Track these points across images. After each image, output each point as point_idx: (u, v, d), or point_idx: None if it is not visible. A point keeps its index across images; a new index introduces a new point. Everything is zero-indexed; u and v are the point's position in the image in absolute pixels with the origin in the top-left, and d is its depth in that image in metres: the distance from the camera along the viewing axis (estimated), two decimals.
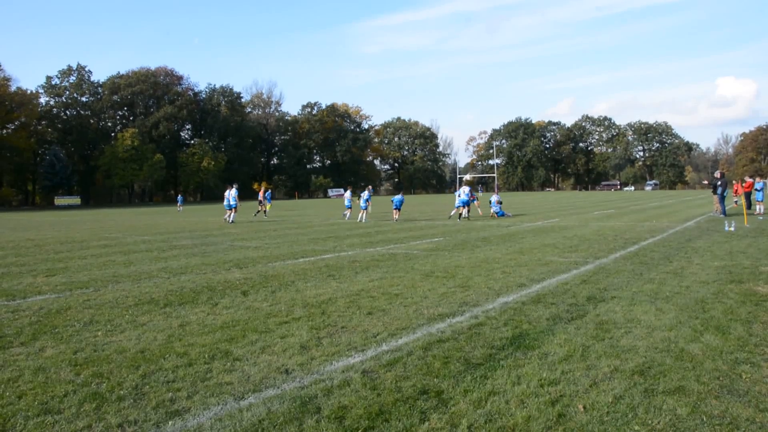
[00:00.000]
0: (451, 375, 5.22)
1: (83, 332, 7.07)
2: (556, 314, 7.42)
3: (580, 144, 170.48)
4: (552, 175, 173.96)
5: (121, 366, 5.68)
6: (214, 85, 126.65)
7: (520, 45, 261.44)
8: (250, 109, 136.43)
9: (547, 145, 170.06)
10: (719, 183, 26.97)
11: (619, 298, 8.34)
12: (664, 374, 5.11)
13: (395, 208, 29.48)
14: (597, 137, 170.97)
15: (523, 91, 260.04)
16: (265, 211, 37.45)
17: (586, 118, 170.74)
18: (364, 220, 28.93)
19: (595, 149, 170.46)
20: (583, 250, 14.25)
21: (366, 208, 30.11)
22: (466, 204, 29.42)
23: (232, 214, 30.49)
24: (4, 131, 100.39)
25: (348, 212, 31.28)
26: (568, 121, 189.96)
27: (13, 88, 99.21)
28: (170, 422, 4.38)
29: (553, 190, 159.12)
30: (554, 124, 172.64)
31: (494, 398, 4.69)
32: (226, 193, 30.77)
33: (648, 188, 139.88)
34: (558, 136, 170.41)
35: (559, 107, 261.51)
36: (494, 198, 31.59)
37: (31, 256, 15.74)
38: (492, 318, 7.28)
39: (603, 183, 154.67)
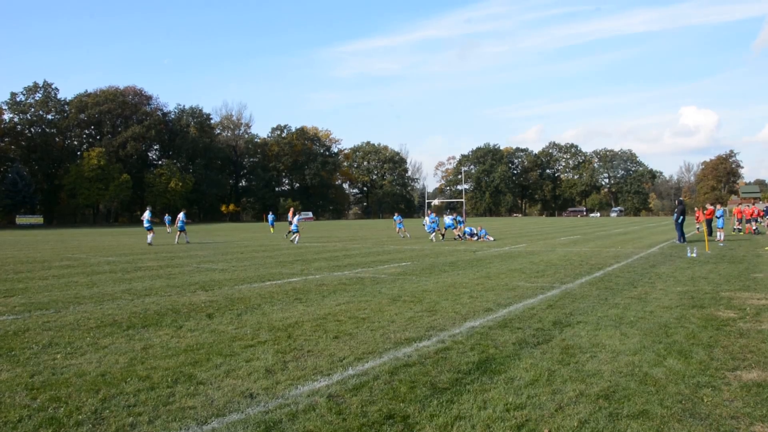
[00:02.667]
0: (418, 399, 5.20)
1: (41, 355, 6.89)
2: (522, 339, 7.44)
3: (547, 170, 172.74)
4: (519, 201, 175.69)
5: (80, 390, 5.54)
6: (184, 106, 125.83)
7: (490, 72, 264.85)
8: (219, 131, 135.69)
9: (515, 171, 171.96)
10: (677, 209, 27.58)
11: (585, 322, 8.41)
12: (629, 398, 5.15)
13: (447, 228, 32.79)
14: (564, 164, 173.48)
15: (492, 117, 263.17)
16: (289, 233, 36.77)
17: (554, 144, 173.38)
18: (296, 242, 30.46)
19: (561, 176, 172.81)
20: (550, 275, 14.37)
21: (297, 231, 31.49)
22: (450, 227, 32.50)
23: (180, 235, 31.70)
24: None
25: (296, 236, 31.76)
26: (536, 148, 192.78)
27: None
28: None
29: (520, 215, 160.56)
30: (522, 150, 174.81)
31: (460, 423, 4.68)
32: (144, 215, 31.48)
33: (613, 214, 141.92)
34: (525, 163, 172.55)
35: (527, 134, 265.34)
36: (448, 218, 32.69)
37: None
38: (459, 342, 7.27)
39: (569, 209, 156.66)
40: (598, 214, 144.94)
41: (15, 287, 13.07)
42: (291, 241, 31.19)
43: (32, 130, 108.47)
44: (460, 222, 33.71)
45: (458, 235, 32.33)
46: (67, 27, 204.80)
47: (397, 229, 36.48)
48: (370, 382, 5.69)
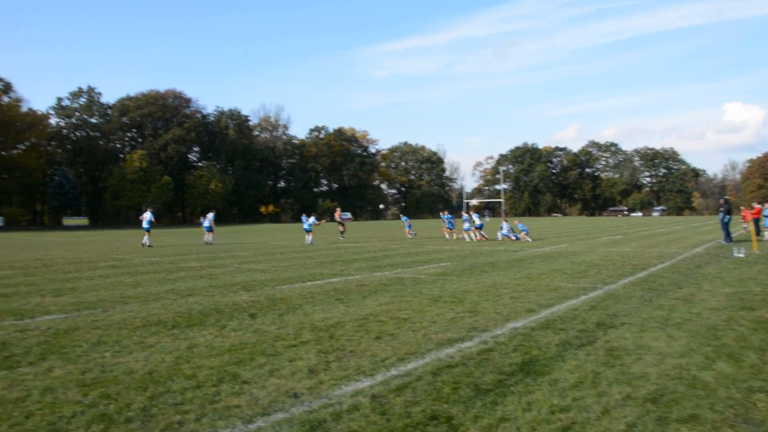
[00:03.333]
0: (461, 401, 5.18)
1: (91, 353, 7.06)
2: (565, 340, 7.37)
3: (587, 169, 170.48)
4: (559, 201, 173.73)
5: (129, 387, 5.66)
6: (223, 108, 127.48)
7: (528, 70, 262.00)
8: (257, 132, 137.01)
9: (554, 171, 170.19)
10: (722, 209, 26.98)
11: (629, 324, 8.28)
12: (677, 402, 5.05)
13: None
14: (603, 163, 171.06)
15: (530, 116, 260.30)
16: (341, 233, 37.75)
17: (593, 143, 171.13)
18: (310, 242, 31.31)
19: (601, 175, 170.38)
20: (592, 276, 14.19)
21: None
22: (480, 227, 32.72)
23: (208, 236, 32.17)
24: (15, 151, 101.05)
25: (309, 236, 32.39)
26: (575, 147, 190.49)
27: (24, 109, 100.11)
28: None
29: (560, 215, 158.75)
30: (561, 149, 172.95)
31: (505, 424, 4.65)
32: (144, 215, 31.92)
33: (655, 214, 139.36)
34: (565, 162, 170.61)
35: (566, 132, 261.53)
36: (505, 225, 32.55)
37: (40, 276, 15.79)
38: (501, 343, 7.23)
39: (610, 208, 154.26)
40: (640, 214, 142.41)
41: (64, 287, 13.41)
42: (309, 243, 31.39)
43: (77, 133, 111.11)
44: (478, 224, 33.43)
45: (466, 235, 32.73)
46: (110, 31, 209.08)
47: (406, 230, 36.68)
48: (413, 383, 5.69)
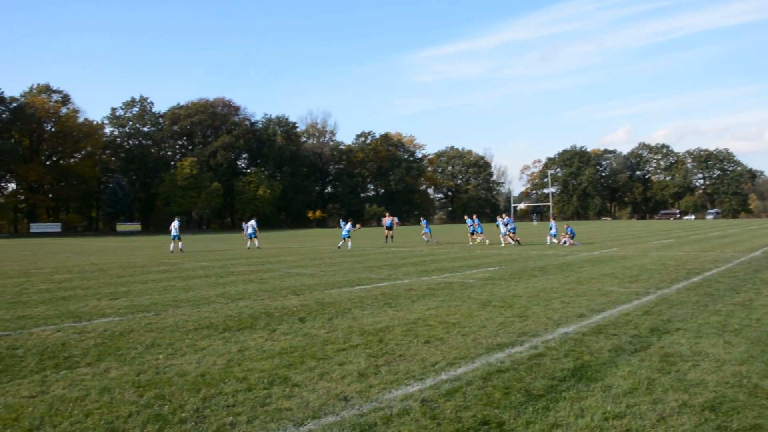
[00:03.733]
0: (512, 406, 5.12)
1: (145, 355, 7.21)
2: (618, 345, 7.23)
3: (638, 172, 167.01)
4: (608, 204, 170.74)
5: (182, 389, 5.76)
6: (270, 115, 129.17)
7: (575, 72, 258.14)
8: (305, 139, 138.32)
9: (603, 174, 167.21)
10: None
11: (684, 329, 8.08)
12: (738, 411, 4.90)
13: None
14: (654, 165, 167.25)
15: (578, 118, 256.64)
16: (387, 237, 38.34)
17: (643, 145, 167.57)
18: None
19: (652, 177, 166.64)
20: (644, 281, 13.90)
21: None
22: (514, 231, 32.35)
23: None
24: (72, 160, 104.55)
25: (342, 242, 32.85)
26: (625, 149, 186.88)
27: (80, 119, 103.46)
28: None
29: (609, 219, 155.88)
30: (610, 152, 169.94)
31: (557, 431, 4.58)
32: (172, 225, 32.27)
33: (709, 217, 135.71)
34: (614, 165, 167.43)
35: (615, 135, 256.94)
36: (553, 224, 32.23)
37: (95, 280, 16.21)
38: (552, 348, 7.13)
39: (662, 212, 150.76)
40: (693, 217, 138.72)
41: (118, 290, 13.74)
42: (343, 247, 31.88)
43: (130, 142, 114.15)
44: (511, 227, 32.61)
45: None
46: (160, 39, 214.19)
47: (423, 233, 36.78)
48: (464, 388, 5.65)
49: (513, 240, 31.91)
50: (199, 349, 7.46)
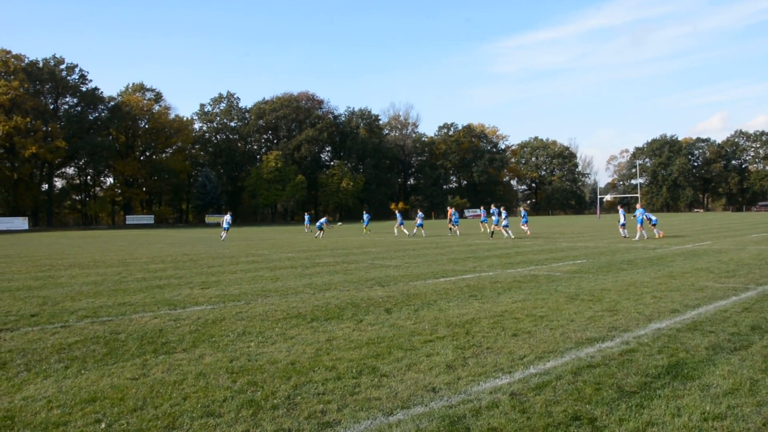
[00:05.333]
0: (604, 402, 5.00)
1: (237, 342, 7.43)
2: (716, 343, 6.93)
3: (733, 161, 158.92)
4: (701, 195, 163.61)
5: (273, 376, 5.90)
6: (353, 108, 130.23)
7: (667, 57, 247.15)
8: (387, 131, 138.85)
9: (696, 163, 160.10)
10: None
11: None
12: None
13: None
14: (753, 154, 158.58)
15: (669, 106, 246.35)
16: (450, 230, 39.14)
17: (740, 133, 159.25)
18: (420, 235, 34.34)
19: (750, 167, 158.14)
20: (743, 276, 13.27)
21: (421, 226, 36.22)
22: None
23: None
24: (164, 155, 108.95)
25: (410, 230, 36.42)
26: (719, 137, 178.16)
27: (171, 116, 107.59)
28: None
29: (701, 211, 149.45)
30: (703, 140, 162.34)
31: (653, 429, 4.44)
32: (224, 218, 37.75)
33: None
34: (707, 154, 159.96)
35: (709, 122, 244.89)
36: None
37: (187, 270, 16.83)
38: (644, 344, 6.91)
39: (760, 203, 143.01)
40: None
41: (209, 280, 14.21)
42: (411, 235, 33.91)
43: (218, 137, 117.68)
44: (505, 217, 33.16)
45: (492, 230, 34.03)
46: (245, 40, 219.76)
47: (416, 228, 37.27)
48: (553, 382, 5.56)
49: (505, 232, 32.52)
50: (288, 338, 7.63)
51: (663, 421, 4.58)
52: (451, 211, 38.82)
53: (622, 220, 30.51)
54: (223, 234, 36.90)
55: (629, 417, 4.67)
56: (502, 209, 33.46)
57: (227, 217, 37.53)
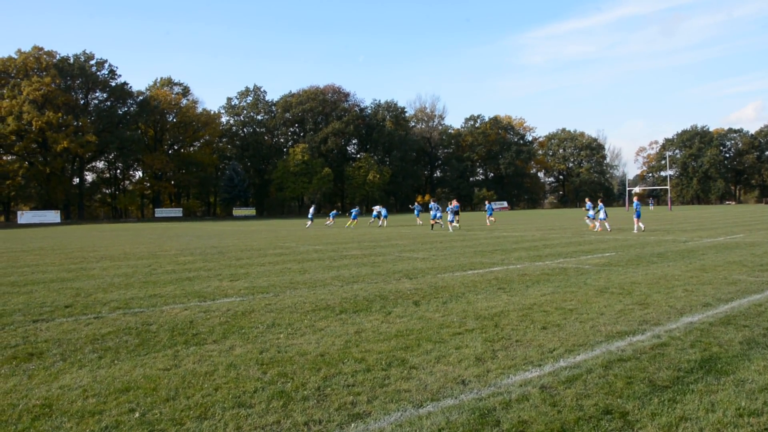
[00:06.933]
0: (636, 396, 4.95)
1: (267, 334, 7.49)
2: (750, 338, 6.81)
3: (767, 153, 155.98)
4: (732, 188, 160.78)
5: (303, 368, 5.94)
6: (379, 101, 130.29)
7: (699, 46, 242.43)
8: (413, 123, 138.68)
9: (727, 155, 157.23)
10: None
11: None
12: None
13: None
14: None
15: (700, 96, 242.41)
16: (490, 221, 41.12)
17: None
18: (451, 229, 34.19)
19: None
20: None
21: (435, 217, 36.45)
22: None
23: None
24: (191, 148, 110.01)
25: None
26: (753, 128, 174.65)
27: (199, 110, 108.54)
28: (353, 424, 4.51)
29: (733, 203, 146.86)
30: (735, 131, 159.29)
31: (686, 424, 4.39)
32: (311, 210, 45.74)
33: None
34: (740, 145, 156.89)
35: (742, 112, 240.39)
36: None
37: (216, 262, 16.98)
38: (676, 338, 6.83)
39: None
40: None
41: (238, 272, 14.33)
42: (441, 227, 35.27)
43: (245, 130, 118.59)
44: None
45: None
46: (271, 32, 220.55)
47: (374, 218, 41.62)
48: (584, 375, 5.52)
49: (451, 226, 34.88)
50: (317, 330, 7.67)
51: (696, 416, 4.52)
52: (454, 203, 39.32)
53: (590, 213, 31.44)
54: (331, 221, 45.46)
55: (661, 411, 4.62)
56: (599, 202, 33.10)
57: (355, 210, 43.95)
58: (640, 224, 29.85)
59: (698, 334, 7.04)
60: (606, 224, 31.15)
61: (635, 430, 4.32)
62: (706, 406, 4.71)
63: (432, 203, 36.94)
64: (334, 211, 50.21)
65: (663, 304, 9.07)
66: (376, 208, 44.37)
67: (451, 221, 35.98)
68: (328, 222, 46.95)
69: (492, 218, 40.59)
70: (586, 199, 36.80)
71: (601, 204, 31.68)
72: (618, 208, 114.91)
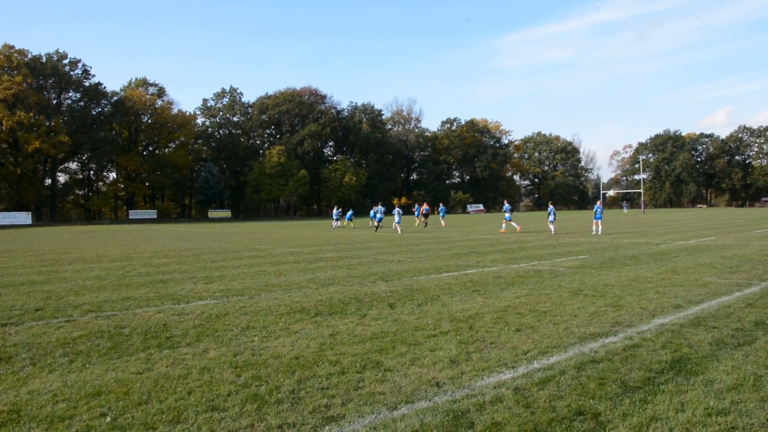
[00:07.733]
0: (608, 397, 5.01)
1: (241, 337, 7.45)
2: (719, 339, 6.93)
3: (737, 157, 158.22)
4: (704, 191, 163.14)
5: (277, 370, 5.92)
6: (356, 103, 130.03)
7: (673, 52, 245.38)
8: (390, 126, 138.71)
9: (699, 159, 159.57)
10: None
11: None
12: None
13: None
14: (756, 149, 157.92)
15: (674, 101, 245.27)
16: (424, 223, 43.56)
17: (744, 128, 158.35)
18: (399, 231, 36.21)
19: (754, 162, 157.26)
20: (746, 271, 13.26)
21: (379, 220, 39.08)
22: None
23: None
24: (167, 150, 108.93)
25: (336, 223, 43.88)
26: (723, 133, 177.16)
27: (174, 111, 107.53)
28: (327, 427, 4.51)
29: (705, 206, 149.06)
30: (707, 136, 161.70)
31: (656, 424, 4.45)
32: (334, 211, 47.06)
33: None
34: (711, 149, 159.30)
35: (714, 117, 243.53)
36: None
37: (191, 264, 16.85)
38: (648, 340, 6.92)
39: (763, 199, 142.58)
40: None
41: (213, 275, 14.23)
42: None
43: (221, 131, 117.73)
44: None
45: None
46: (248, 34, 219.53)
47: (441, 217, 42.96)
48: (557, 377, 5.57)
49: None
50: (292, 333, 7.65)
51: (666, 417, 4.59)
52: (425, 206, 43.52)
53: (550, 217, 31.71)
54: (338, 223, 46.81)
55: (633, 412, 4.68)
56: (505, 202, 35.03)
57: (379, 207, 41.71)
58: (600, 227, 31.00)
59: (669, 335, 7.14)
60: (513, 224, 34.31)
61: (607, 430, 4.37)
62: (676, 406, 4.79)
63: (396, 208, 39.57)
64: (351, 212, 52.76)
65: (635, 305, 9.19)
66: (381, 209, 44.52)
67: (398, 222, 37.99)
68: (336, 224, 48.55)
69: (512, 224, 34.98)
70: (505, 201, 39.30)
71: (507, 204, 35.28)
72: (590, 211, 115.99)
